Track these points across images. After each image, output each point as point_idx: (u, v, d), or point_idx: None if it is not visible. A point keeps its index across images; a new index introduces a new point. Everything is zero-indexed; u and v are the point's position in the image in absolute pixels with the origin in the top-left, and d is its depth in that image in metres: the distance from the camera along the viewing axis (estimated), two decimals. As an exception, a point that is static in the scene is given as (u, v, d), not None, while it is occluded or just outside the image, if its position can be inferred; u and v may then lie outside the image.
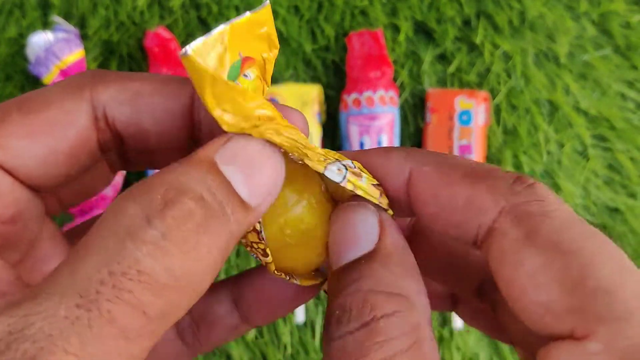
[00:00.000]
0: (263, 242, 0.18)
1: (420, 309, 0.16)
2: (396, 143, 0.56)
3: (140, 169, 0.21)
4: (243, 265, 0.56)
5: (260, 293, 0.21)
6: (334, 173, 0.17)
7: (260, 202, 0.16)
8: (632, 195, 0.59)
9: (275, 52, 0.17)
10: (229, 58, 0.16)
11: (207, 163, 0.15)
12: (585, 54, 0.59)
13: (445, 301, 0.23)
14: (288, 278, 0.19)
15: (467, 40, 0.59)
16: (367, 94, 0.54)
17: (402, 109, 0.58)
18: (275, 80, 0.58)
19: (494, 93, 0.58)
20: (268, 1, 0.17)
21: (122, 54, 0.58)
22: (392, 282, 0.16)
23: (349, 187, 0.17)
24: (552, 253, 0.15)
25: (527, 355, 0.19)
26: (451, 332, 0.55)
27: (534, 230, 0.15)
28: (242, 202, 0.15)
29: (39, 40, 0.54)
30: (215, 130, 0.17)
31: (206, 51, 0.15)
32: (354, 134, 0.54)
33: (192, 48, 0.14)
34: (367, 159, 0.18)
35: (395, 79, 0.58)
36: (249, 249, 0.19)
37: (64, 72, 0.54)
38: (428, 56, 0.58)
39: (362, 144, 0.54)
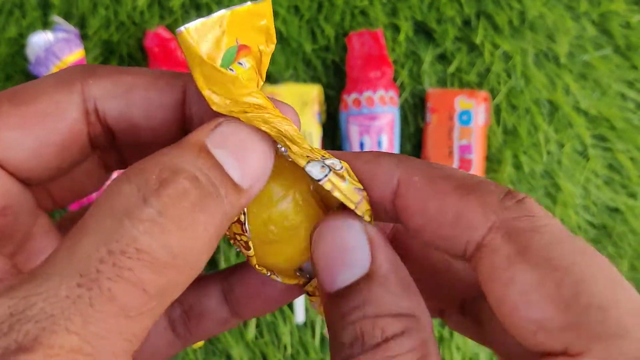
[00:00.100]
0: (246, 234, 0.18)
1: (425, 323, 0.16)
2: (396, 143, 0.56)
3: None
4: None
5: (250, 288, 0.21)
6: (316, 170, 0.17)
7: (251, 185, 0.16)
8: (632, 195, 0.59)
9: (272, 47, 0.17)
10: (225, 42, 0.16)
11: (198, 146, 0.15)
12: (585, 54, 0.59)
13: (432, 309, 0.23)
14: (269, 274, 0.19)
15: (467, 40, 0.59)
16: (367, 94, 0.54)
17: (402, 109, 0.58)
18: (275, 80, 0.58)
19: (494, 93, 0.58)
20: None
21: (122, 54, 0.59)
22: (395, 303, 0.16)
23: (328, 186, 0.17)
24: (543, 270, 0.15)
25: None
26: (451, 332, 0.55)
27: (525, 247, 0.15)
28: (234, 184, 0.15)
29: (39, 40, 0.54)
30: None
31: (204, 32, 0.15)
32: (354, 134, 0.54)
33: (187, 27, 0.15)
34: (357, 163, 0.18)
35: (395, 79, 0.58)
36: (232, 241, 0.19)
37: (64, 72, 0.54)
38: (428, 56, 0.58)
39: (362, 144, 0.54)
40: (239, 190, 0.16)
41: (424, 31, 0.59)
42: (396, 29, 0.59)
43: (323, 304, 0.18)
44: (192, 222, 0.14)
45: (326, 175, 0.17)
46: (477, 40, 0.58)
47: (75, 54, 0.55)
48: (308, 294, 0.20)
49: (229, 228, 0.18)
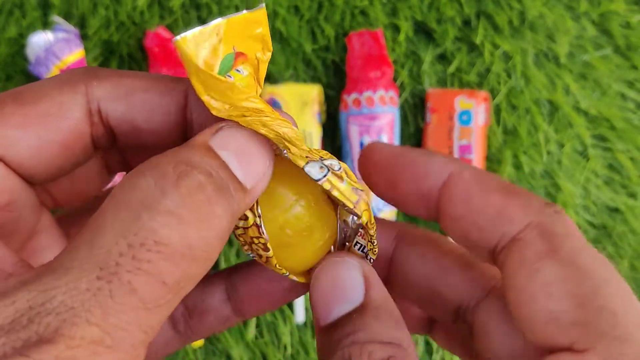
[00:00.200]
0: (264, 236, 0.18)
1: (411, 354, 0.17)
2: (396, 143, 0.56)
3: None
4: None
5: (253, 286, 0.21)
6: (314, 170, 0.17)
7: (254, 185, 0.16)
8: (632, 195, 0.59)
9: (269, 55, 0.18)
10: (222, 50, 0.16)
11: (204, 147, 0.16)
12: (585, 54, 0.59)
13: (421, 324, 0.24)
14: (288, 274, 0.20)
15: (467, 40, 0.59)
16: (367, 94, 0.54)
17: (402, 109, 0.58)
18: (275, 80, 0.58)
19: (494, 93, 0.58)
20: (264, 4, 0.17)
21: (122, 54, 0.59)
22: (385, 332, 0.17)
23: (327, 186, 0.18)
24: (569, 269, 0.16)
25: None
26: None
27: (556, 247, 0.17)
28: (240, 183, 0.16)
29: (39, 40, 0.54)
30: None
31: (202, 40, 0.16)
32: (354, 134, 0.54)
33: (183, 35, 0.15)
34: (413, 154, 0.20)
35: (395, 79, 0.58)
36: (246, 247, 0.19)
37: (64, 72, 0.54)
38: (428, 56, 0.58)
39: (362, 144, 0.54)
40: (244, 189, 0.16)
41: (424, 31, 0.59)
42: (396, 29, 0.59)
43: (316, 335, 0.18)
44: (208, 215, 0.14)
45: (325, 175, 0.18)
46: (477, 40, 0.58)
47: (75, 54, 0.55)
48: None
49: (245, 234, 0.18)
